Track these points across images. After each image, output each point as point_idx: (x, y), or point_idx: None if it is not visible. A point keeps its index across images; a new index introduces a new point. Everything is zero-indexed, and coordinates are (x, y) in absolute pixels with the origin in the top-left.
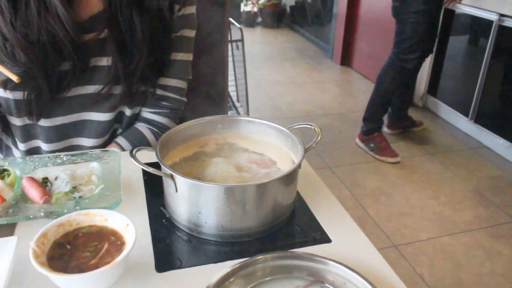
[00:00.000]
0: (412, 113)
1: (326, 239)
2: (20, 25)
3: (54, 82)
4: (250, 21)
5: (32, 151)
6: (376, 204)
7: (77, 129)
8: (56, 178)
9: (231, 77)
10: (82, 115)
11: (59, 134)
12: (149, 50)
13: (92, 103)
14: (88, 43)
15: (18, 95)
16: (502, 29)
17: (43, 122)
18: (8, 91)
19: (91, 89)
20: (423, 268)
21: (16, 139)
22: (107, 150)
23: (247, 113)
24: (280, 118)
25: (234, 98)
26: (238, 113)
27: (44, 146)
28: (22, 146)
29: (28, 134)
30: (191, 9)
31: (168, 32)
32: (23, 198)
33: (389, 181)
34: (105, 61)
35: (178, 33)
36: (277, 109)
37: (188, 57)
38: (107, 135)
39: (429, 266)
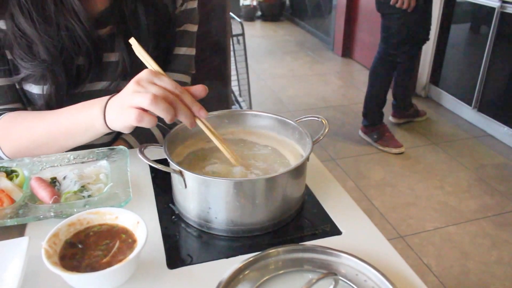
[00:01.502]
0: (415, 103)
1: (336, 231)
2: (39, 20)
3: (73, 77)
4: (249, 15)
5: None
6: (381, 195)
7: None
8: (64, 178)
9: (232, 71)
10: None
11: None
12: (154, 44)
13: None
14: (100, 38)
15: (39, 89)
16: (504, 16)
17: None
18: (32, 85)
19: (100, 85)
20: (430, 258)
21: None
22: (113, 148)
23: (250, 107)
24: (283, 112)
25: (237, 93)
26: (241, 107)
27: None
28: None
29: None
30: (193, 4)
31: (172, 27)
32: (32, 198)
33: (393, 172)
34: (113, 57)
35: (181, 28)
36: (279, 103)
37: (191, 51)
38: (114, 132)
39: (436, 256)
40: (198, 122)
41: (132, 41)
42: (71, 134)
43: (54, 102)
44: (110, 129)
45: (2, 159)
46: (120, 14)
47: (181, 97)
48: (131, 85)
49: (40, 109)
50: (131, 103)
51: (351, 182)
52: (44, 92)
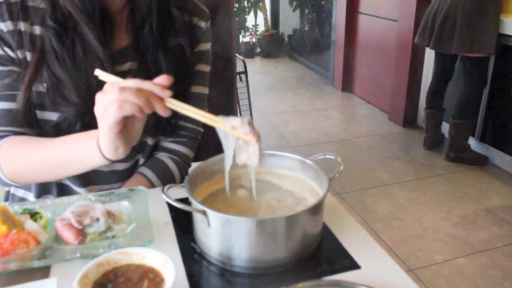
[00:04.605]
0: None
1: (355, 266)
2: (72, 67)
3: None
4: (249, 52)
5: None
6: (388, 228)
7: None
8: (97, 220)
9: None
10: None
11: None
12: (172, 86)
13: None
14: (118, 75)
15: (55, 116)
16: (503, 47)
17: None
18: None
19: None
20: None
21: None
22: (133, 189)
23: None
24: (286, 148)
25: None
26: None
27: None
28: None
29: None
30: (206, 46)
31: (188, 67)
32: (57, 240)
33: (399, 204)
34: None
35: (194, 68)
36: (282, 139)
37: (204, 90)
38: (130, 163)
39: None
40: (170, 105)
41: (98, 72)
42: (67, 164)
43: (65, 127)
44: (107, 159)
45: (3, 180)
46: (141, 56)
47: (144, 87)
48: (98, 98)
49: (47, 132)
50: (105, 104)
51: (357, 216)
52: (58, 120)
